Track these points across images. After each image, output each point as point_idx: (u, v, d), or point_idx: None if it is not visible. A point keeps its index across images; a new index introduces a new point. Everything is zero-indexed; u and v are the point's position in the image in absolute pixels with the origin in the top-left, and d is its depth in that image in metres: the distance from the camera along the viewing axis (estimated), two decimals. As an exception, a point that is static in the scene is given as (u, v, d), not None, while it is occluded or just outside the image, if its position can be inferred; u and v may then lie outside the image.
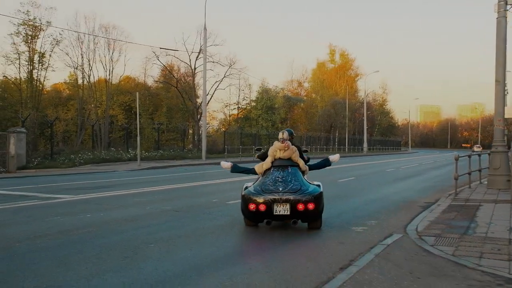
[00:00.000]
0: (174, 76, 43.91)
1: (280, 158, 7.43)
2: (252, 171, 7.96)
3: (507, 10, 12.98)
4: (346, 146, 65.54)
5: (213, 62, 39.01)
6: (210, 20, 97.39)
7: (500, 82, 13.05)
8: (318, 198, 6.89)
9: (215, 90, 42.42)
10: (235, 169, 8.89)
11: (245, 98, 54.82)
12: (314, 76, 78.02)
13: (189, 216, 8.30)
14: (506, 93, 14.95)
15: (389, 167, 26.52)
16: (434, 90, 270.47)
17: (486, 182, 14.87)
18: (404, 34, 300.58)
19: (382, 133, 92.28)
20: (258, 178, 7.55)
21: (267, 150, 7.68)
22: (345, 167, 26.08)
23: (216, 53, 60.69)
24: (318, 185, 7.40)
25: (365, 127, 64.02)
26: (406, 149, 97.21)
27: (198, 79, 43.37)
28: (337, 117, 68.62)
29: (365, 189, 13.75)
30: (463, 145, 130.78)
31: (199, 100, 42.48)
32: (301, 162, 7.58)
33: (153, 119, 43.04)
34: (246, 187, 7.28)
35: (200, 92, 42.62)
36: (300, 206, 6.66)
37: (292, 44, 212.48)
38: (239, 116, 55.34)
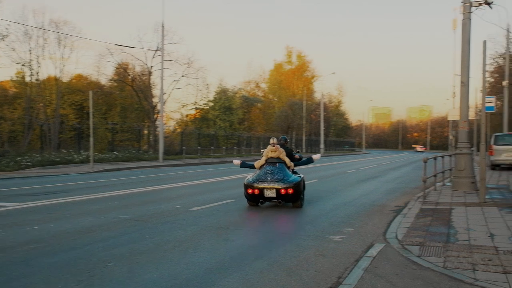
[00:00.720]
0: (129, 75, 42.34)
1: (271, 157, 10.13)
2: (253, 167, 10.69)
3: (472, 12, 12.99)
4: (303, 147, 65.85)
5: (170, 60, 37.87)
6: (168, 18, 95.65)
7: (465, 84, 13.03)
8: (296, 186, 9.44)
9: (172, 89, 41.23)
10: (243, 165, 11.57)
11: (203, 98, 53.74)
12: (271, 77, 78.11)
13: (151, 226, 7.55)
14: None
15: (348, 168, 26.51)
16: (386, 92, 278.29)
17: (449, 184, 14.93)
18: (359, 36, 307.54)
19: (337, 134, 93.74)
20: (256, 171, 10.20)
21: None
22: (306, 168, 25.78)
23: (173, 51, 59.54)
24: (300, 176, 9.98)
25: (322, 128, 64.53)
26: (360, 150, 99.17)
27: (155, 78, 42.09)
28: (294, 118, 68.83)
29: (331, 192, 13.40)
30: (413, 145, 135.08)
31: (155, 100, 41.19)
32: (287, 160, 10.11)
33: (107, 119, 41.31)
34: (247, 178, 9.88)
35: (156, 91, 41.37)
36: (282, 191, 9.33)
37: (250, 45, 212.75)
38: (196, 116, 54.24)
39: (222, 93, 52.72)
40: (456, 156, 13.21)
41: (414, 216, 8.70)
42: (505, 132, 27.83)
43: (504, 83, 29.34)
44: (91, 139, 23.26)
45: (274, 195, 9.39)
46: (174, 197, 11.76)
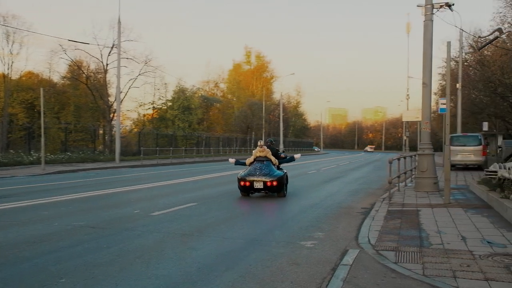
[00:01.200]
0: (83, 73, 40.74)
1: (259, 156, 12.21)
2: (245, 164, 12.65)
3: (434, 13, 13.07)
4: (263, 148, 65.70)
5: (127, 58, 36.64)
6: (124, 15, 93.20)
7: (427, 85, 13.10)
8: (280, 179, 11.58)
9: (129, 88, 39.95)
10: (237, 163, 13.54)
11: (161, 97, 52.60)
12: (230, 77, 77.64)
13: (109, 234, 6.96)
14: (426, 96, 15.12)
15: (309, 169, 26.47)
16: (342, 94, 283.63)
17: (410, 184, 15.02)
18: (317, 37, 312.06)
19: (296, 135, 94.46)
20: (247, 167, 12.15)
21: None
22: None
23: (130, 49, 57.89)
24: (283, 172, 12.14)
25: (281, 129, 64.69)
26: (318, 150, 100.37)
27: (111, 76, 40.66)
28: (253, 118, 68.66)
29: (296, 193, 13.13)
30: (368, 146, 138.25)
31: (111, 99, 39.83)
32: (272, 158, 12.24)
33: (60, 119, 39.57)
34: (240, 173, 11.93)
35: (112, 90, 40.02)
36: (268, 183, 11.42)
37: (209, 44, 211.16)
38: (154, 116, 53.02)
39: (181, 93, 51.77)
40: (418, 157, 13.26)
41: (383, 218, 8.54)
42: (459, 133, 28.61)
43: (458, 85, 30.18)
44: (42, 139, 22.04)
45: (262, 187, 11.51)
46: (132, 200, 11.12)
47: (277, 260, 5.47)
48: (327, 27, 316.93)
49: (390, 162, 11.44)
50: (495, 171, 9.63)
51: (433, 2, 13.03)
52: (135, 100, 49.17)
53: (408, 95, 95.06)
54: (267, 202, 11.06)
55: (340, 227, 7.87)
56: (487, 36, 12.06)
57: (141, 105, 50.54)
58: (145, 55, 46.07)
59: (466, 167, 22.92)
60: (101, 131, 42.94)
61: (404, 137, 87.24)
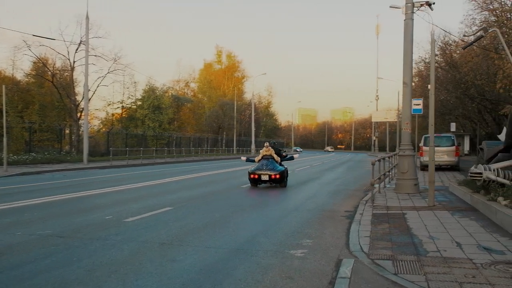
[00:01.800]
0: (49, 70, 39.15)
1: (265, 155, 15.12)
2: (254, 161, 15.70)
3: (414, 12, 12.89)
4: (234, 148, 65.25)
5: (95, 55, 35.37)
6: (93, 11, 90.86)
7: (407, 84, 12.91)
8: (281, 173, 14.50)
9: (97, 86, 38.60)
10: (248, 160, 17.41)
11: (130, 96, 51.30)
12: (201, 76, 76.81)
13: (79, 245, 6.33)
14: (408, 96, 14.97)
15: (284, 169, 26.09)
16: (311, 94, 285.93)
17: (389, 186, 14.82)
18: (288, 38, 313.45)
19: (267, 135, 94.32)
20: (255, 164, 15.12)
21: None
22: (242, 170, 25.05)
23: (99, 46, 56.12)
24: (284, 167, 15.03)
25: (253, 129, 64.30)
26: (300, 151, 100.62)
27: (78, 74, 39.38)
28: (225, 118, 68.04)
29: (273, 195, 12.74)
30: (338, 146, 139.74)
31: (78, 98, 38.45)
32: (275, 156, 15.18)
33: (23, 118, 37.89)
34: (250, 168, 14.83)
35: (79, 88, 38.65)
36: (272, 176, 14.27)
37: (179, 43, 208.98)
38: (123, 115, 51.68)
39: (151, 92, 50.66)
40: (399, 158, 13.06)
41: (370, 223, 8.20)
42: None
43: (429, 86, 30.48)
44: (5, 139, 20.88)
45: (267, 179, 14.41)
46: (103, 205, 10.42)
47: (268, 273, 5.00)
48: (298, 28, 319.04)
49: (373, 164, 11.16)
50: (480, 173, 9.45)
51: (414, 1, 12.86)
52: (103, 99, 47.78)
53: (377, 96, 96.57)
54: (246, 206, 10.57)
55: (327, 233, 7.46)
56: (471, 35, 12.02)
57: (109, 104, 49.19)
58: (114, 53, 44.94)
59: (439, 168, 23.02)
60: (67, 131, 41.45)
61: (373, 138, 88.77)
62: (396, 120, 71.18)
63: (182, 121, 61.19)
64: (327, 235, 7.28)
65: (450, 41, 39.28)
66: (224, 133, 70.65)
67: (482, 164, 9.94)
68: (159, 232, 7.21)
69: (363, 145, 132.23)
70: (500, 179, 8.94)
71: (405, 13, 12.88)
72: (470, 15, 28.43)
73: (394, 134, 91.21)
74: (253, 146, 63.66)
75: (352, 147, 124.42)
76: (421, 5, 12.81)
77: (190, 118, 64.67)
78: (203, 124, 67.68)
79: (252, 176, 14.63)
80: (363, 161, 43.11)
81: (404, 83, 12.96)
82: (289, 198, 12.24)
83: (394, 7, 31.77)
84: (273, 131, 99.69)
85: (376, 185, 16.42)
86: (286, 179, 15.23)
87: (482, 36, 9.66)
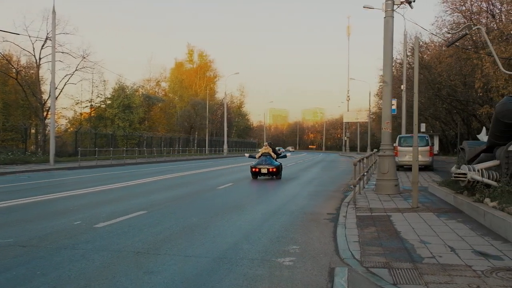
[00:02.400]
0: (13, 67, 37.56)
1: (264, 152, 18.59)
2: (255, 157, 19.17)
3: (394, 10, 12.69)
4: (206, 148, 64.51)
5: (62, 52, 34.09)
6: (60, 7, 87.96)
7: (388, 83, 12.69)
8: (277, 167, 17.91)
9: (64, 84, 37.25)
10: (250, 156, 20.60)
11: (100, 95, 49.90)
12: (172, 75, 75.62)
13: (44, 255, 5.71)
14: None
15: (259, 170, 25.69)
16: (282, 95, 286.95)
17: (367, 186, 14.59)
18: (260, 39, 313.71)
19: (239, 135, 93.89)
20: (256, 159, 18.66)
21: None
22: (216, 170, 24.55)
23: (66, 42, 54.48)
24: (280, 163, 18.56)
25: (225, 128, 63.71)
26: (293, 150, 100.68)
27: (44, 72, 37.89)
28: (197, 117, 67.22)
29: (253, 197, 12.30)
30: (309, 146, 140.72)
31: (44, 96, 37.02)
32: (272, 154, 18.71)
33: (-15, 117, 36.30)
34: (252, 163, 18.35)
35: (46, 86, 37.27)
36: (270, 169, 17.55)
37: (150, 42, 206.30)
38: (92, 115, 50.21)
39: (121, 91, 49.42)
40: (379, 158, 12.82)
41: (355, 226, 7.85)
42: (405, 133, 29.04)
43: (403, 86, 30.70)
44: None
45: (266, 172, 17.73)
46: (71, 209, 9.74)
47: (258, 287, 4.55)
48: (270, 28, 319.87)
49: (355, 165, 10.85)
50: (465, 174, 9.25)
51: (394, -2, 12.65)
52: (71, 97, 46.35)
53: (348, 96, 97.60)
54: (225, 208, 10.08)
55: (313, 237, 7.06)
56: (456, 32, 11.86)
57: (77, 103, 47.74)
58: (83, 50, 43.58)
59: (414, 168, 23.08)
60: (33, 131, 39.95)
61: (345, 138, 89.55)
62: (367, 120, 72.03)
63: (153, 120, 60.04)
64: (314, 240, 6.88)
65: (421, 43, 39.81)
66: (196, 133, 69.81)
67: (464, 165, 9.75)
68: (133, 240, 6.65)
69: (334, 145, 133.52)
70: (486, 180, 8.76)
71: (385, 11, 12.65)
72: (441, 16, 28.82)
73: (364, 134, 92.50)
74: (225, 146, 63.10)
75: (324, 147, 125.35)
76: (401, 2, 12.62)
77: (161, 117, 63.54)
78: (175, 124, 66.69)
79: (253, 169, 17.95)
80: (335, 161, 43.21)
81: (384, 81, 12.74)
82: (269, 200, 11.83)
83: (367, 7, 31.88)
84: (245, 131, 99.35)
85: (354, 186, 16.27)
86: (281, 173, 18.58)
87: (466, 34, 9.48)
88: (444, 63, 26.53)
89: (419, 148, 22.25)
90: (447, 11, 28.93)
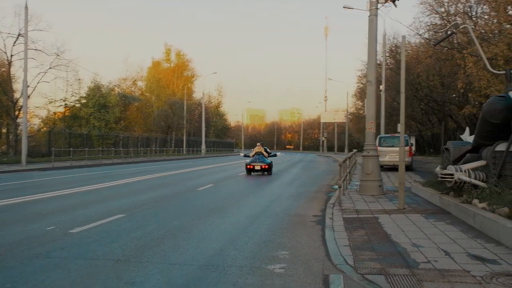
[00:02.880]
0: (-18, 64, 36.28)
1: (257, 151, 21.27)
2: (249, 156, 21.69)
3: (378, 8, 12.54)
4: (184, 148, 63.79)
5: (35, 49, 33.04)
6: (33, 2, 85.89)
7: (372, 83, 12.53)
8: (269, 164, 20.77)
9: (37, 83, 36.16)
10: (245, 155, 22.99)
11: (74, 94, 48.59)
12: (149, 75, 74.53)
13: (13, 266, 5.26)
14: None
15: (239, 170, 25.32)
16: (260, 95, 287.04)
17: (350, 187, 14.43)
18: (237, 38, 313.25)
19: (216, 135, 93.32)
20: (250, 158, 21.24)
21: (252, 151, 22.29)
22: (195, 171, 24.11)
23: (40, 39, 52.89)
24: (271, 161, 21.32)
25: (203, 128, 63.10)
26: (239, 151, 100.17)
27: (16, 70, 36.65)
28: (174, 117, 66.42)
29: (235, 199, 11.96)
30: (287, 146, 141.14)
31: (16, 94, 35.83)
32: (264, 153, 21.39)
33: (-46, 116, 34.91)
34: (247, 161, 21.05)
35: (18, 85, 35.99)
36: (263, 166, 20.40)
37: (126, 40, 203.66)
38: (66, 114, 48.91)
39: (96, 90, 48.23)
40: (363, 158, 12.65)
41: (344, 228, 7.61)
42: (384, 134, 29.14)
43: (381, 87, 30.79)
44: None
45: (259, 168, 20.25)
46: (45, 213, 9.22)
47: (249, 297, 4.24)
48: (248, 28, 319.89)
49: (340, 165, 10.64)
50: (451, 174, 9.12)
51: (378, -4, 12.50)
52: (44, 96, 45.00)
53: (326, 97, 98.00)
54: (207, 211, 9.72)
55: (302, 241, 6.78)
56: (442, 31, 11.83)
57: (51, 102, 46.30)
58: (57, 47, 42.42)
59: (394, 168, 23.12)
60: (4, 130, 38.64)
61: (322, 138, 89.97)
62: (344, 120, 72.45)
63: (130, 120, 58.96)
64: (303, 244, 6.60)
65: (399, 43, 40.13)
66: (174, 133, 69.01)
67: (450, 165, 9.63)
68: (112, 246, 6.25)
69: (312, 145, 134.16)
70: (474, 181, 8.64)
71: (370, 9, 12.49)
72: (418, 18, 29.06)
73: (342, 134, 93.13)
74: (203, 146, 62.51)
75: (301, 147, 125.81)
76: (386, 1, 12.48)
77: (138, 117, 62.49)
78: (152, 123, 65.73)
79: (248, 166, 20.62)
80: (314, 162, 43.19)
81: (368, 81, 12.59)
82: (251, 202, 11.51)
83: (347, 8, 31.89)
84: (223, 131, 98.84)
85: (336, 186, 16.09)
86: (272, 169, 21.36)
87: (453, 33, 9.37)
88: (424, 64, 26.72)
89: (399, 148, 22.59)
90: (425, 12, 29.20)
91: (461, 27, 9.96)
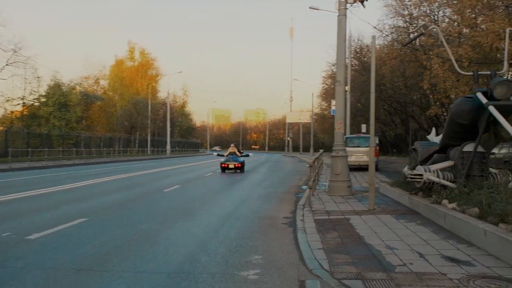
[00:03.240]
0: None
1: (231, 151, 23.84)
2: (223, 155, 24.58)
3: (347, 8, 12.52)
4: (148, 148, 62.68)
5: (-9, 45, 31.67)
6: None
7: (341, 83, 12.50)
8: (242, 163, 23.32)
9: (-7, 80, 34.70)
10: (218, 154, 27.69)
11: (33, 92, 46.83)
12: (112, 73, 72.78)
13: (-36, 277, 4.82)
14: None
15: (206, 171, 25.01)
16: (224, 95, 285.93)
17: (318, 188, 14.37)
18: (203, 37, 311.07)
19: (182, 135, 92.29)
20: (225, 157, 23.86)
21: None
22: (160, 172, 23.58)
23: (-5, 36, 50.70)
24: (243, 159, 23.99)
25: (168, 128, 62.17)
26: (204, 151, 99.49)
27: (-30, 66, 34.89)
28: (138, 117, 65.15)
29: (202, 200, 11.67)
30: (252, 146, 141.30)
31: (-30, 92, 34.18)
32: (237, 153, 23.98)
33: None
34: (221, 160, 23.55)
35: (-29, 82, 34.38)
36: (236, 165, 22.88)
37: (88, 38, 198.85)
38: (24, 113, 47.06)
39: (57, 88, 46.67)
40: (332, 159, 12.60)
41: (316, 230, 7.46)
42: (349, 134, 29.40)
43: (347, 87, 31.08)
44: None
45: (233, 167, 22.45)
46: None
47: (223, 307, 3.99)
48: (212, 28, 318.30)
49: (311, 166, 10.51)
50: (421, 174, 9.14)
51: (347, -4, 12.47)
52: (1, 94, 43.15)
53: (291, 97, 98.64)
54: (174, 213, 9.39)
55: (275, 245, 6.58)
56: (413, 31, 11.94)
57: (8, 100, 44.43)
58: (14, 43, 40.69)
59: (359, 168, 23.34)
60: (-44, 129, 36.78)
61: (288, 138, 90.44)
62: (309, 121, 72.98)
63: (92, 119, 57.39)
64: (276, 248, 6.39)
65: (363, 45, 40.79)
66: (138, 133, 67.70)
67: (419, 166, 9.67)
68: (73, 254, 5.85)
69: (277, 146, 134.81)
70: (443, 181, 8.67)
71: (338, 9, 12.45)
72: (383, 20, 29.53)
73: (307, 135, 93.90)
74: (168, 147, 61.58)
75: (267, 148, 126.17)
76: (354, 1, 12.46)
77: (100, 116, 60.92)
78: (115, 123, 64.26)
79: (223, 165, 22.98)
80: (280, 162, 43.20)
81: (337, 81, 12.55)
82: (220, 203, 11.23)
83: (313, 8, 31.94)
84: (188, 131, 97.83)
85: (305, 187, 16.02)
86: (244, 168, 23.58)
87: (422, 33, 9.41)
88: (388, 65, 27.16)
89: (365, 149, 22.83)
90: (388, 14, 29.71)
91: (430, 27, 10.04)
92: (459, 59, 15.43)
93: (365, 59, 39.99)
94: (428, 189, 9.36)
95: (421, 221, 8.18)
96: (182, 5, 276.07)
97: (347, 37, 35.77)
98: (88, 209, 9.74)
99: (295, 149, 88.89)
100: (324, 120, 70.68)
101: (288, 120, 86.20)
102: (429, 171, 9.15)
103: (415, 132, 43.17)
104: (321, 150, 25.13)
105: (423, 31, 9.12)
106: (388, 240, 6.67)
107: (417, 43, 23.00)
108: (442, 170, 9.26)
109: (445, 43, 9.15)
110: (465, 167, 8.74)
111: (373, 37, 9.55)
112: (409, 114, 36.52)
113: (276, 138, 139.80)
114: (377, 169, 23.27)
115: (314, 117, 71.98)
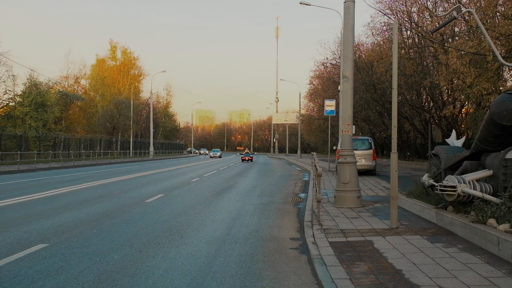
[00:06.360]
0: None
1: (246, 151, 56.51)
2: (220, 156, 66.16)
3: (355, -5, 10.97)
4: (131, 150, 60.58)
5: (-41, 41, 29.48)
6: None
7: (349, 79, 10.95)
8: (252, 157, 50.80)
9: (-37, 78, 32.45)
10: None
11: (8, 91, 44.54)
12: (93, 73, 70.55)
13: None
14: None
15: (191, 175, 23.30)
16: (211, 96, 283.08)
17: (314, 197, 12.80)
18: (188, 39, 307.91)
19: (165, 136, 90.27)
20: (243, 154, 55.42)
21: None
22: (143, 176, 21.78)
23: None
24: (252, 155, 55.01)
25: (151, 130, 60.13)
26: (195, 150, 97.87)
27: None
28: (120, 118, 63.03)
29: (191, 214, 10.00)
30: (237, 148, 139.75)
31: None
32: (250, 152, 58.37)
33: None
34: (242, 155, 53.80)
35: None
36: (249, 158, 48.83)
37: (68, 37, 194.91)
38: (-2, 113, 44.72)
39: (34, 87, 44.44)
40: (339, 165, 11.05)
41: (337, 261, 5.89)
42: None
43: (339, 87, 29.69)
44: None
45: (247, 159, 47.79)
46: None
47: None
48: (198, 28, 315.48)
49: (320, 176, 8.92)
50: (454, 186, 7.63)
51: (355, -19, 10.94)
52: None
53: (277, 98, 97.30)
54: (158, 234, 7.72)
55: (290, 285, 4.98)
56: (443, 15, 10.53)
57: (-19, 100, 42.15)
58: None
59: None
60: None
61: (273, 140, 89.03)
62: (296, 122, 71.60)
63: (71, 120, 55.17)
64: (293, 292, 4.79)
65: (360, 42, 39.52)
66: (120, 134, 65.62)
67: (450, 176, 8.15)
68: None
69: (262, 147, 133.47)
70: (487, 196, 7.16)
71: (346, -6, 10.90)
72: (374, 17, 28.30)
73: (292, 136, 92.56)
74: (151, 148, 59.55)
75: (252, 149, 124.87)
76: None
77: (80, 117, 58.70)
78: (96, 124, 62.11)
79: (242, 158, 46.49)
80: (268, 164, 41.68)
81: (344, 77, 11.00)
82: (210, 218, 9.56)
83: (304, 4, 30.46)
84: (172, 132, 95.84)
85: (303, 194, 14.47)
86: (253, 160, 43.59)
87: (455, 18, 7.93)
88: (388, 62, 25.80)
89: (362, 152, 21.36)
90: (380, 12, 28.59)
91: (464, 10, 8.61)
92: (483, 52, 14.02)
93: (362, 56, 38.67)
94: (460, 204, 7.89)
95: (462, 245, 6.65)
96: (166, 5, 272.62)
97: (340, 33, 34.49)
98: (51, 230, 8.02)
99: (281, 150, 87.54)
100: (311, 121, 69.39)
101: (274, 121, 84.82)
102: (464, 182, 7.65)
103: (408, 133, 42.07)
104: (314, 153, 23.67)
105: (455, 15, 7.63)
106: (436, 277, 5.12)
107: (417, 40, 21.68)
108: (477, 181, 7.78)
109: (483, 29, 7.67)
110: (509, 178, 7.27)
111: (395, 22, 8.01)
112: (402, 115, 35.30)
113: (261, 139, 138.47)
114: (374, 174, 21.90)
115: (300, 118, 70.62)
